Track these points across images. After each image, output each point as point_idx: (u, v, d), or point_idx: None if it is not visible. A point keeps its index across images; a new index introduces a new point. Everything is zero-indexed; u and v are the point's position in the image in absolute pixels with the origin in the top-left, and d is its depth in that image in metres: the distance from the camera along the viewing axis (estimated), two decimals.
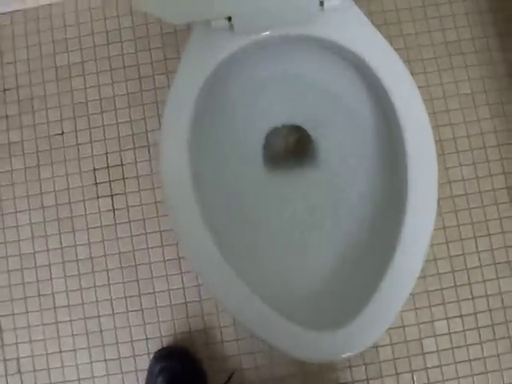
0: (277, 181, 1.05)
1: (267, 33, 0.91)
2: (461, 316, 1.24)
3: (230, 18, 0.87)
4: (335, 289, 0.95)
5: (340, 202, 1.02)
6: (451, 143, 1.29)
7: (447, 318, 1.24)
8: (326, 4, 0.87)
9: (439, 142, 1.28)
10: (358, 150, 1.03)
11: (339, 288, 0.95)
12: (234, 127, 1.03)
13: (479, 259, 1.25)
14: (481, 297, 1.24)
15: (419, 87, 0.88)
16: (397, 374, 1.23)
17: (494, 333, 1.24)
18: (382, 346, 1.22)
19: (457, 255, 1.25)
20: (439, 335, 1.23)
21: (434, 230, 0.85)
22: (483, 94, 1.31)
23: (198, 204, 0.86)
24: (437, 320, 1.24)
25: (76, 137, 1.29)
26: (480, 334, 1.24)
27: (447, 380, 1.23)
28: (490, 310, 1.24)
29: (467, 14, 1.34)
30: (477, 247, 1.25)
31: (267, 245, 1.00)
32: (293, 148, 1.11)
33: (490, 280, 1.25)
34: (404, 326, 1.23)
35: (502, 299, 1.25)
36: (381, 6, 1.31)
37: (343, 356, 0.84)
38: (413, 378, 1.22)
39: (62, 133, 1.29)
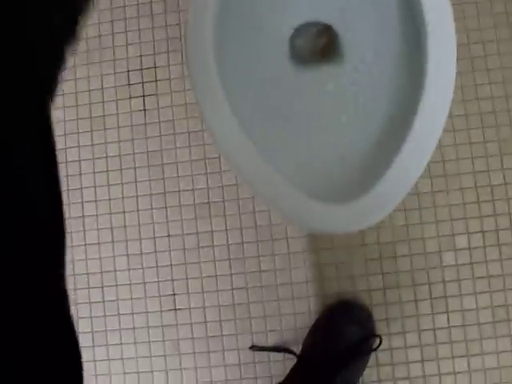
0: (303, 73, 1.06)
1: None
2: (482, 232, 1.24)
3: None
4: (352, 164, 0.97)
5: (364, 94, 1.03)
6: (482, 60, 1.29)
7: (468, 233, 1.24)
8: None
9: (470, 59, 1.28)
10: (382, 44, 1.03)
11: (356, 164, 0.97)
12: (261, 17, 1.05)
13: (504, 177, 1.25)
14: (503, 214, 1.24)
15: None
16: (414, 285, 1.23)
17: None
18: (400, 256, 1.23)
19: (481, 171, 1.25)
20: (459, 249, 1.24)
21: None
22: None
23: (222, 86, 0.89)
24: (457, 234, 1.24)
25: (112, 40, 1.33)
26: (500, 252, 1.23)
27: (464, 295, 1.23)
28: None
29: None
30: (502, 164, 1.25)
31: (287, 126, 1.02)
32: (319, 44, 1.12)
33: None
34: (424, 238, 1.24)
35: None
36: None
37: (357, 228, 0.86)
38: (430, 291, 1.23)
39: (99, 35, 1.33)
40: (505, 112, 1.27)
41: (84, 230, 1.28)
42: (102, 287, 1.27)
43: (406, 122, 0.89)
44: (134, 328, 1.27)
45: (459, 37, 0.87)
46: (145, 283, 1.26)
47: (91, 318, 1.27)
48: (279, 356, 1.22)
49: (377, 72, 1.03)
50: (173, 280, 1.26)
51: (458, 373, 1.21)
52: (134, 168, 1.29)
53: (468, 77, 1.28)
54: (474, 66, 1.28)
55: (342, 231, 0.90)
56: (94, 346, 1.27)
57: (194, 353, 1.25)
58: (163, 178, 1.28)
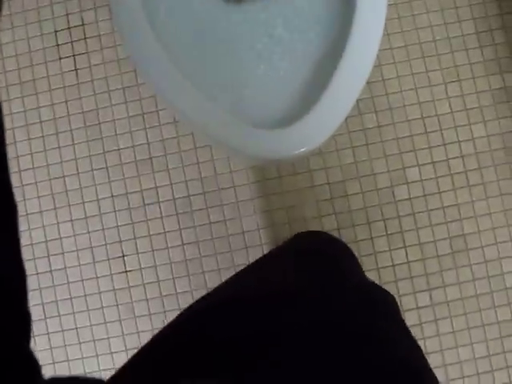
0: (235, 10, 1.02)
1: None
2: (432, 163, 1.21)
3: None
4: (288, 90, 0.94)
5: (301, 26, 1.00)
6: None
7: (419, 165, 1.21)
8: None
9: None
10: None
11: (292, 89, 0.94)
12: None
13: (449, 105, 1.23)
14: (453, 143, 1.22)
15: None
16: (368, 222, 1.20)
17: (468, 180, 1.21)
18: (352, 194, 1.20)
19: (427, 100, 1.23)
20: (411, 182, 1.21)
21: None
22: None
23: (152, 28, 0.85)
24: (408, 167, 1.21)
25: (36, 0, 1.27)
26: (453, 181, 1.21)
27: (420, 228, 1.20)
28: (463, 157, 1.22)
29: None
30: (447, 93, 1.23)
31: (220, 58, 0.98)
32: None
33: (461, 126, 1.23)
34: (374, 174, 1.21)
35: (475, 145, 1.22)
36: None
37: (298, 151, 0.83)
38: (385, 227, 1.20)
39: None
40: (445, 39, 1.24)
41: (24, 200, 1.23)
42: (48, 256, 1.22)
43: (340, 44, 0.86)
44: (85, 295, 1.22)
45: None
46: (92, 248, 1.22)
47: (40, 289, 1.22)
48: None
49: (307, 4, 1.01)
50: (121, 241, 1.21)
51: (420, 308, 1.19)
52: (71, 130, 1.23)
53: (405, 7, 1.25)
54: None
55: (284, 156, 0.87)
56: (45, 318, 1.22)
57: (150, 314, 1.21)
58: (101, 138, 1.23)
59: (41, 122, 1.24)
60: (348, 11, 0.88)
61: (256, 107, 0.95)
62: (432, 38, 1.24)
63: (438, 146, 1.22)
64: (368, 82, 0.87)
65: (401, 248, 1.20)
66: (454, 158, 1.22)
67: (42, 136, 1.23)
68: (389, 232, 1.20)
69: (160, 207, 1.21)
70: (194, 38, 1.00)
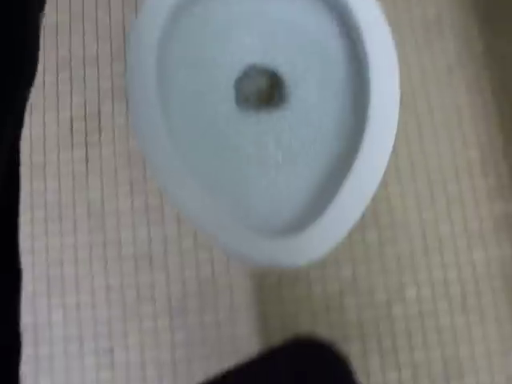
0: (248, 117, 1.05)
1: None
2: (431, 283, 1.22)
3: None
4: (293, 200, 0.95)
5: (310, 138, 1.03)
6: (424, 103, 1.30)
7: (417, 284, 1.21)
8: None
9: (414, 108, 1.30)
10: (328, 88, 1.03)
11: (297, 199, 0.95)
12: (204, 57, 1.05)
13: (452, 226, 1.24)
14: (452, 265, 1.22)
15: None
16: (362, 337, 1.19)
17: (465, 303, 1.21)
18: (348, 307, 1.19)
19: None
20: (408, 301, 1.21)
21: None
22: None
23: (165, 126, 0.87)
24: (406, 285, 1.21)
25: (57, 86, 1.31)
26: (451, 304, 1.21)
27: (414, 348, 1.19)
28: (461, 280, 1.22)
29: None
30: (449, 214, 1.24)
31: (229, 164, 1.00)
32: (265, 89, 1.12)
33: (462, 249, 1.24)
34: (372, 289, 1.20)
35: (475, 269, 1.22)
36: None
37: (300, 262, 0.83)
38: (379, 343, 1.19)
39: (44, 82, 1.31)
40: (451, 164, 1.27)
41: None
42: (36, 342, 1.20)
43: (348, 162, 0.88)
44: None
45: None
46: (81, 337, 1.20)
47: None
48: None
49: (319, 117, 1.03)
50: (110, 334, 1.20)
51: None
52: (74, 218, 1.24)
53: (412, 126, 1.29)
54: (417, 110, 1.30)
55: (283, 265, 0.87)
56: None
57: None
58: (103, 228, 1.24)
59: (45, 205, 1.25)
60: (358, 129, 0.91)
61: (259, 213, 0.96)
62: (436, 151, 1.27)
63: (438, 266, 1.22)
64: (372, 197, 0.88)
65: (394, 369, 1.18)
66: (452, 280, 1.22)
67: (45, 219, 1.24)
68: (382, 348, 1.18)
69: (155, 303, 1.20)
70: (204, 136, 1.02)
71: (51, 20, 1.33)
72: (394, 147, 0.88)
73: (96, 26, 1.35)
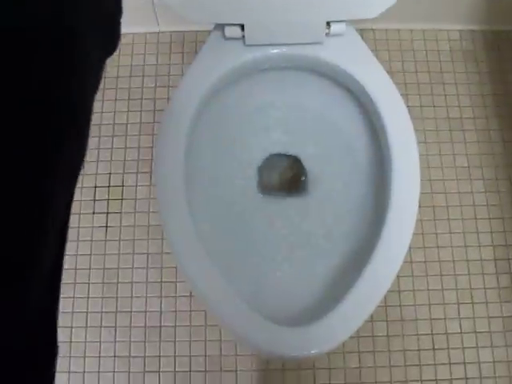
0: (270, 204, 1.08)
1: (275, 50, 0.98)
2: (436, 380, 1.21)
3: (243, 28, 0.94)
4: (309, 293, 0.97)
5: (330, 225, 1.05)
6: (444, 210, 1.32)
7: (421, 381, 1.21)
8: (332, 27, 0.94)
9: (432, 208, 1.31)
10: (351, 180, 1.06)
11: (313, 293, 0.97)
12: (231, 148, 1.08)
13: (460, 325, 1.24)
14: (459, 363, 1.22)
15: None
16: None
17: None
18: None
19: None
20: None
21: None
22: (479, 169, 1.35)
23: (187, 206, 0.89)
24: (411, 381, 1.21)
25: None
26: None
27: None
28: (467, 379, 1.21)
29: (470, 95, 1.42)
30: (459, 313, 1.25)
31: (249, 251, 1.02)
32: (288, 176, 1.14)
33: (469, 348, 1.24)
34: (377, 383, 1.20)
35: (480, 369, 1.22)
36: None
37: (307, 353, 0.84)
38: None
39: None
40: (464, 261, 1.28)
41: None
42: None
43: (364, 257, 0.89)
44: None
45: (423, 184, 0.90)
46: None
47: None
48: None
49: (340, 207, 1.06)
50: None
51: None
52: (88, 283, 1.26)
53: (430, 225, 1.31)
54: (435, 214, 1.31)
55: (292, 355, 0.87)
56: None
57: None
58: (116, 297, 1.25)
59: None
60: (378, 222, 0.92)
61: (272, 301, 0.98)
62: (451, 258, 1.28)
63: (444, 364, 1.22)
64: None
65: None
66: (458, 378, 1.22)
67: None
68: None
69: (159, 376, 1.21)
70: (224, 220, 1.05)
71: None
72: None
73: (128, 97, 1.40)
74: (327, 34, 0.95)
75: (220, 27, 0.96)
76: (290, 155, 1.11)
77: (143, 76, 1.42)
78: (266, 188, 1.10)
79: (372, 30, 1.47)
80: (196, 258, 0.87)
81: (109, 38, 0.47)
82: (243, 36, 0.94)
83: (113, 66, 1.42)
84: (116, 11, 0.46)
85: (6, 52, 0.33)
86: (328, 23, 0.94)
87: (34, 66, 0.35)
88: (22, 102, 0.34)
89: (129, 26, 1.41)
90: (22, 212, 0.35)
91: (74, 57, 0.39)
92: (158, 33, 1.46)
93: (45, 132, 0.36)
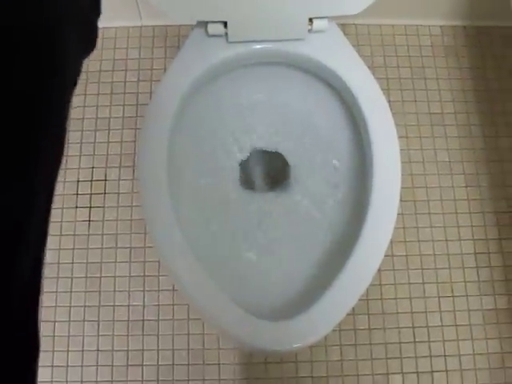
0: (253, 199, 1.08)
1: (259, 46, 0.98)
2: (417, 372, 1.23)
3: (225, 25, 0.94)
4: (291, 286, 0.97)
5: (312, 220, 1.05)
6: (425, 204, 1.34)
7: (403, 373, 1.23)
8: (314, 23, 0.94)
9: (413, 202, 1.33)
10: (332, 175, 1.07)
11: (295, 285, 0.97)
12: (213, 143, 1.08)
13: (440, 318, 1.26)
14: (439, 356, 1.24)
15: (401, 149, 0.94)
16: None
17: None
18: None
19: None
20: None
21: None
22: (460, 164, 1.37)
23: (173, 209, 0.89)
24: (392, 373, 1.23)
25: (67, 149, 1.34)
26: None
27: None
28: (447, 371, 1.23)
29: (452, 90, 1.43)
30: (440, 307, 1.26)
31: (231, 248, 1.03)
32: (270, 171, 1.15)
33: (449, 341, 1.26)
34: (358, 375, 1.22)
35: (460, 362, 1.24)
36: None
37: (293, 346, 0.84)
38: None
39: None
40: (444, 255, 1.30)
41: None
42: None
43: (346, 250, 0.90)
44: None
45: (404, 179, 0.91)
46: None
47: None
48: None
49: (322, 202, 1.06)
50: None
51: None
52: (71, 278, 1.26)
53: (411, 219, 1.32)
54: (416, 208, 1.33)
55: (275, 349, 0.88)
56: None
57: None
58: (99, 291, 1.25)
59: (45, 263, 1.26)
60: (359, 218, 0.93)
61: (257, 295, 0.98)
62: (432, 252, 1.30)
63: (424, 356, 1.24)
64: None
65: None
66: (438, 371, 1.23)
67: (43, 277, 1.25)
68: None
69: (143, 370, 1.21)
70: (206, 214, 1.05)
71: None
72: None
73: (111, 91, 1.40)
74: (309, 31, 0.95)
75: (202, 24, 0.96)
76: (273, 151, 1.11)
77: (126, 70, 1.42)
78: (248, 183, 1.10)
79: (354, 25, 1.48)
80: (178, 252, 0.87)
81: (87, 37, 0.47)
82: (226, 33, 0.94)
83: (95, 60, 1.41)
84: (93, 10, 0.47)
85: None
86: (310, 19, 0.94)
87: (14, 64, 0.35)
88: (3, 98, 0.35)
89: (111, 20, 1.41)
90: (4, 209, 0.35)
91: (54, 55, 0.39)
92: (141, 27, 1.46)
93: (25, 129, 0.37)
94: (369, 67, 0.99)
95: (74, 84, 0.44)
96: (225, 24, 0.94)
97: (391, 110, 0.96)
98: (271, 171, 1.15)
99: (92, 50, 0.49)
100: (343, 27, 1.44)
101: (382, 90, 0.98)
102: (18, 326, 0.38)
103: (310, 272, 1.00)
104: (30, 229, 0.38)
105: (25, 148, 0.36)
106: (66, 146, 0.42)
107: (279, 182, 1.11)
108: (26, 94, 0.36)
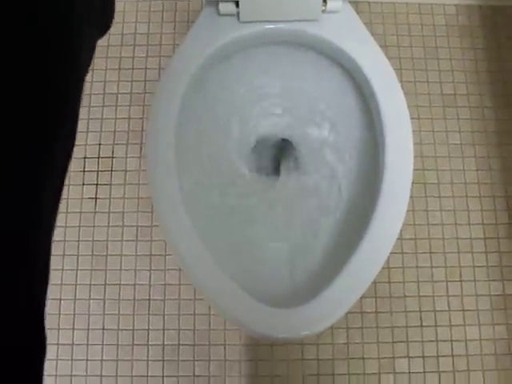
0: (263, 183, 1.07)
1: (271, 26, 0.95)
2: (423, 357, 1.22)
3: (237, 4, 0.92)
4: (300, 272, 0.97)
5: (324, 203, 1.04)
6: (435, 187, 1.32)
7: (409, 357, 1.22)
8: (328, 4, 0.92)
9: (423, 185, 1.31)
10: (343, 159, 1.05)
11: (304, 272, 0.97)
12: (224, 125, 1.06)
13: (448, 304, 1.25)
14: (445, 341, 1.24)
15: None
16: None
17: (455, 381, 1.22)
18: (339, 374, 1.20)
19: None
20: (398, 373, 1.22)
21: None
22: (471, 147, 1.35)
23: (181, 189, 0.88)
24: (398, 357, 1.23)
25: None
26: (440, 378, 1.22)
27: None
28: (453, 356, 1.23)
29: (465, 71, 1.40)
30: (447, 291, 1.26)
31: (240, 230, 1.01)
32: (280, 157, 1.13)
33: (456, 326, 1.25)
34: (364, 358, 1.21)
35: (467, 347, 1.24)
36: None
37: (301, 334, 0.84)
38: None
39: None
40: (453, 239, 1.28)
41: None
42: None
43: (356, 236, 0.89)
44: None
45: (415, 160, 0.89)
46: (71, 376, 1.21)
47: None
48: None
49: (331, 186, 1.05)
50: (101, 376, 1.20)
51: None
52: (77, 255, 1.25)
53: (421, 201, 1.30)
54: (426, 191, 1.31)
55: (283, 337, 0.88)
56: None
57: None
58: (105, 270, 1.25)
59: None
60: (370, 202, 0.91)
61: (266, 281, 0.97)
62: (441, 235, 1.28)
63: (431, 341, 1.23)
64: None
65: None
66: (444, 355, 1.23)
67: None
68: None
69: (148, 350, 1.21)
70: (215, 198, 1.04)
71: None
72: None
73: (119, 66, 1.38)
74: (323, 11, 0.93)
75: (213, 3, 0.94)
76: (281, 137, 1.09)
77: (134, 45, 1.39)
78: (259, 167, 1.09)
79: (367, 2, 1.45)
80: (185, 235, 0.86)
81: (101, 18, 0.46)
82: (238, 12, 0.92)
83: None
84: None
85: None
86: (324, 0, 0.92)
87: (28, 43, 0.34)
88: (20, 81, 0.33)
89: None
90: (19, 206, 0.34)
91: (70, 35, 0.37)
92: (150, 1, 1.43)
93: (43, 115, 0.35)
94: (381, 46, 0.96)
95: (88, 65, 0.42)
96: (236, 3, 0.92)
97: (403, 90, 0.94)
98: (281, 156, 1.13)
99: (105, 32, 0.47)
100: (356, 5, 1.42)
101: (395, 69, 0.95)
102: (26, 324, 0.37)
103: (323, 255, 0.99)
104: (42, 224, 0.37)
105: (44, 131, 0.35)
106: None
107: (289, 167, 1.10)
108: (40, 70, 0.35)
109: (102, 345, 1.22)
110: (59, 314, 1.23)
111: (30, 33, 0.33)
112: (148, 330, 1.22)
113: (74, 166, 1.30)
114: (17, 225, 0.34)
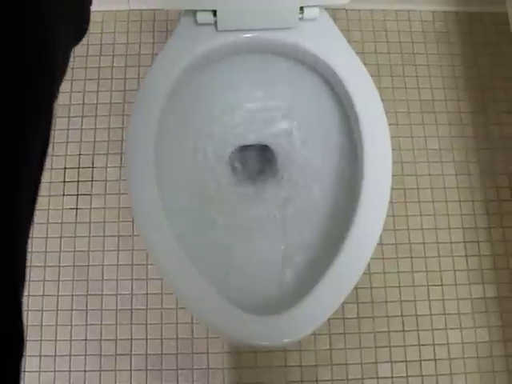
0: (242, 190, 1.07)
1: (249, 34, 0.96)
2: (405, 361, 1.23)
3: (215, 13, 0.92)
4: (284, 278, 0.97)
5: (301, 212, 1.05)
6: (414, 192, 1.33)
7: (392, 362, 1.23)
8: (305, 12, 0.93)
9: (403, 190, 1.32)
10: (322, 166, 1.06)
11: (288, 278, 0.97)
12: (202, 133, 1.06)
13: (429, 307, 1.26)
14: (428, 345, 1.24)
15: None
16: None
17: None
18: (322, 380, 1.20)
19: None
20: (381, 378, 1.22)
21: None
22: (450, 152, 1.36)
23: (160, 197, 0.88)
24: (380, 362, 1.23)
25: (53, 136, 1.32)
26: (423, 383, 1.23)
27: None
28: (436, 360, 1.24)
29: (442, 77, 1.42)
30: (428, 295, 1.27)
31: (222, 237, 1.02)
32: (259, 163, 1.14)
33: (438, 330, 1.26)
34: (347, 364, 1.22)
35: (449, 350, 1.24)
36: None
37: (283, 341, 0.84)
38: None
39: None
40: (434, 244, 1.29)
41: None
42: None
43: (336, 242, 0.89)
44: None
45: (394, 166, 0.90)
46: None
47: None
48: None
49: (312, 193, 1.05)
50: None
51: None
52: (59, 266, 1.25)
53: (400, 207, 1.31)
54: (406, 196, 1.32)
55: (264, 344, 0.88)
56: None
57: None
58: (87, 280, 1.24)
59: (31, 252, 1.25)
60: (350, 208, 0.92)
61: (246, 289, 0.97)
62: (422, 240, 1.29)
63: (413, 345, 1.24)
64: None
65: None
66: (427, 359, 1.24)
67: (30, 266, 1.24)
68: None
69: (131, 359, 1.21)
70: (196, 204, 1.04)
71: None
72: None
73: (98, 76, 1.38)
74: (300, 19, 0.94)
75: (191, 12, 0.94)
76: (259, 144, 1.10)
77: (113, 55, 1.40)
78: (240, 175, 1.10)
79: (345, 9, 1.46)
80: (165, 244, 0.86)
81: (77, 24, 0.46)
82: (215, 22, 0.92)
83: (82, 45, 1.37)
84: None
85: None
86: (301, 8, 0.93)
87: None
88: None
89: (99, 3, 1.37)
90: None
91: (44, 43, 0.37)
92: (129, 11, 1.43)
93: (19, 116, 0.35)
94: (359, 53, 0.97)
95: (63, 72, 0.42)
96: (214, 12, 0.92)
97: (381, 96, 0.95)
98: (258, 162, 1.14)
99: (82, 37, 0.47)
100: (333, 12, 1.43)
101: (372, 76, 0.96)
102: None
103: (303, 262, 0.99)
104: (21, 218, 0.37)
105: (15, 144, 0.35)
106: (52, 132, 0.41)
107: (268, 173, 1.10)
108: (14, 83, 0.35)
109: (85, 355, 1.21)
110: (41, 326, 1.22)
111: None
112: (131, 339, 1.22)
113: (54, 176, 1.30)
114: None
